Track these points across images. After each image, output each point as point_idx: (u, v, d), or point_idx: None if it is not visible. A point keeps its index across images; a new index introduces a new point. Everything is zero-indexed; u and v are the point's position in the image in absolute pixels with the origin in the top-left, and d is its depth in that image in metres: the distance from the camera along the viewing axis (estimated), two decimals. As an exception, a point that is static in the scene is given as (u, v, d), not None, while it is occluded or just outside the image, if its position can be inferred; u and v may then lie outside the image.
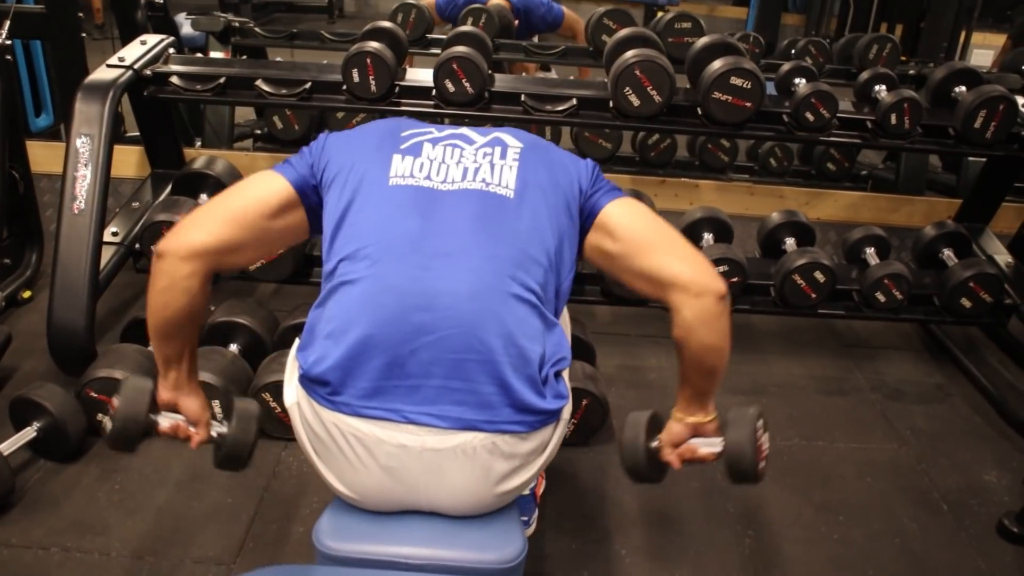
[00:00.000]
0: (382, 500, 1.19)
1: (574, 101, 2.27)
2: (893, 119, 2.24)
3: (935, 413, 2.39)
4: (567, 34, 3.69)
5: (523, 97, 2.26)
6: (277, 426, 2.02)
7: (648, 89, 2.17)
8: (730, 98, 2.18)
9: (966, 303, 2.31)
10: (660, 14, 4.22)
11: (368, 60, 2.15)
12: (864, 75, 2.41)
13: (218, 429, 1.38)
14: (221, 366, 1.99)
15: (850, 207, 2.90)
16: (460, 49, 2.19)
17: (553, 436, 1.20)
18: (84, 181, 2.07)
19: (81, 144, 2.08)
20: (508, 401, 1.13)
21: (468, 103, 2.23)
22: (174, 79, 2.23)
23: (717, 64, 2.16)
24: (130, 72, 2.19)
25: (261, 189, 1.31)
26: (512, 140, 1.33)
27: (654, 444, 1.33)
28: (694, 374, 1.27)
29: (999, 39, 6.65)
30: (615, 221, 1.30)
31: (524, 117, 2.29)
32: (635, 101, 2.19)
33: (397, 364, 1.12)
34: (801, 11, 7.46)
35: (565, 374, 1.22)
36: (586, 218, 1.31)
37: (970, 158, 3.09)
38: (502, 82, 2.29)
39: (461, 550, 1.16)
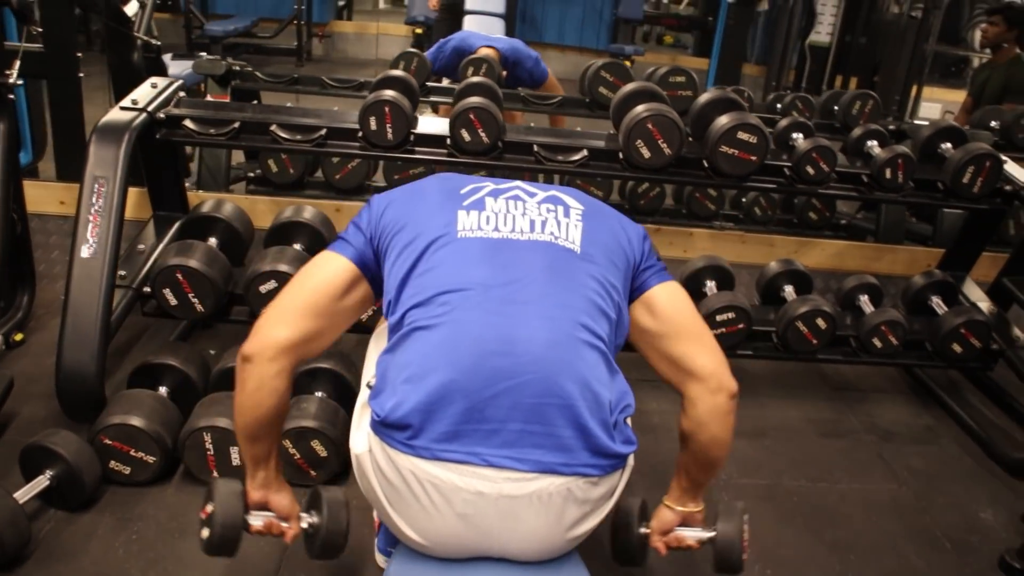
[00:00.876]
0: (453, 547, 1.20)
1: (585, 152, 2.34)
2: (888, 173, 2.36)
3: (928, 453, 2.48)
4: (546, 91, 3.77)
5: (535, 147, 2.32)
6: (295, 473, 2.00)
7: (659, 142, 2.25)
8: (736, 152, 2.28)
9: (957, 348, 2.42)
10: (638, 65, 4.37)
11: (386, 108, 2.19)
12: (857, 131, 2.54)
13: (308, 520, 1.43)
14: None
15: (836, 255, 3.03)
16: (477, 100, 2.24)
17: (620, 481, 1.23)
18: (98, 224, 2.05)
19: (96, 187, 2.06)
20: (585, 445, 1.15)
21: (483, 152, 2.28)
22: (187, 123, 2.23)
23: (724, 119, 2.26)
24: (144, 115, 2.18)
25: (326, 273, 1.36)
26: (572, 200, 1.38)
27: (643, 530, 1.42)
28: (695, 466, 1.35)
29: (945, 94, 7.04)
30: (660, 302, 1.37)
31: (536, 167, 2.35)
32: (646, 153, 2.27)
33: (477, 409, 1.14)
34: (760, 63, 7.78)
35: (630, 421, 1.25)
36: (635, 290, 1.38)
37: (946, 210, 3.26)
38: (514, 132, 2.34)
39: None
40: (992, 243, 2.90)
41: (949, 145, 2.50)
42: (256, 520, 1.41)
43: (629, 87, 2.44)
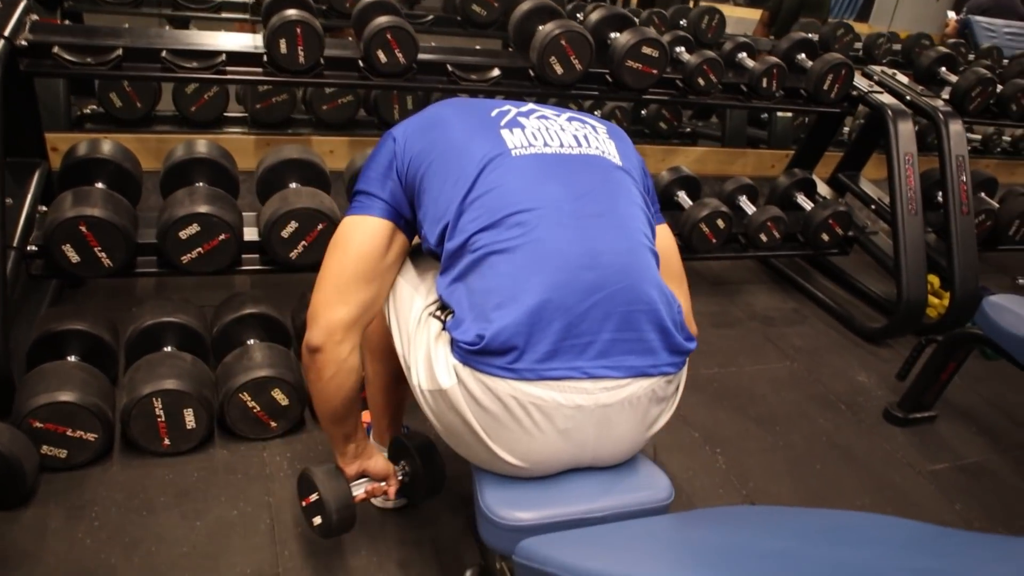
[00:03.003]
0: (551, 464, 1.22)
1: (497, 71, 2.32)
2: (764, 83, 2.58)
3: (803, 333, 2.83)
4: None
5: (449, 67, 2.26)
6: (254, 427, 1.87)
7: (572, 58, 2.28)
8: (640, 66, 2.37)
9: (825, 237, 2.75)
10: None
11: (298, 29, 2.00)
12: (728, 45, 2.73)
13: (405, 470, 1.53)
14: (185, 372, 1.79)
15: (698, 161, 3.26)
16: (389, 19, 2.12)
17: (683, 376, 1.31)
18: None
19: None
20: (665, 345, 1.21)
21: (398, 74, 2.18)
22: (58, 51, 1.90)
23: (627, 36, 2.33)
24: (3, 42, 1.83)
25: (364, 237, 1.31)
26: (591, 119, 1.38)
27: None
28: None
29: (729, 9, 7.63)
30: (657, 240, 1.36)
31: (450, 87, 2.28)
32: (559, 70, 2.29)
33: (573, 324, 1.15)
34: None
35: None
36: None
37: (778, 115, 3.62)
38: (427, 52, 2.25)
39: (634, 494, 1.23)
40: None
41: (803, 55, 2.78)
42: (359, 490, 1.48)
43: (528, 5, 2.42)
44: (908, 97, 2.80)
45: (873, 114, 2.85)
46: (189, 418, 1.78)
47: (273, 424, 1.89)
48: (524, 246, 1.16)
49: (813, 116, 3.19)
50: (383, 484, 1.52)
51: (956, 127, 2.72)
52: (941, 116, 2.73)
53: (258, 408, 1.85)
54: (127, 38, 1.99)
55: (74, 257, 1.85)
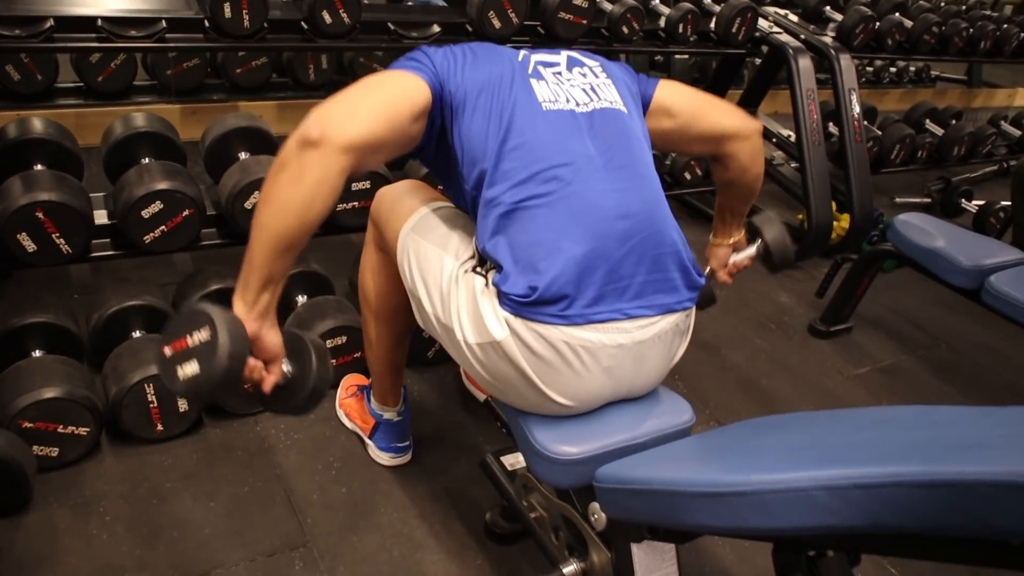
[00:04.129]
0: (594, 400, 1.31)
1: (436, 27, 2.32)
2: (680, 28, 2.71)
3: (724, 262, 3.04)
4: None
5: (391, 25, 2.24)
6: (245, 402, 1.86)
7: (509, 12, 2.32)
8: (571, 16, 2.44)
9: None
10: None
11: (242, -9, 1.93)
12: (642, -9, 2.83)
13: (289, 368, 1.19)
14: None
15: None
16: (331, -23, 2.08)
17: (693, 309, 1.43)
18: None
19: None
20: (685, 282, 1.32)
21: (342, 34, 2.14)
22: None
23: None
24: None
25: (406, 87, 1.23)
26: (588, 60, 1.44)
27: (708, 273, 1.67)
28: (740, 202, 1.64)
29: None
30: (668, 100, 1.48)
31: (393, 45, 2.27)
32: (497, 24, 2.32)
33: (614, 270, 1.23)
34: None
35: None
36: (643, 107, 1.48)
37: (676, 56, 3.78)
38: (368, 12, 2.22)
39: (664, 419, 1.35)
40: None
41: (710, 0, 2.93)
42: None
43: (457, -42, 2.42)
44: (802, 36, 3.02)
45: (771, 53, 3.06)
46: (182, 400, 1.74)
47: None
48: (563, 199, 1.23)
49: (717, 58, 3.37)
50: (261, 365, 1.17)
51: (847, 62, 2.97)
52: (833, 52, 2.96)
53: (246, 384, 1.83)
54: (57, 6, 1.85)
55: (30, 246, 1.74)
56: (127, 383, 1.67)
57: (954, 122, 3.72)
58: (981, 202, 3.65)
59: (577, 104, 1.34)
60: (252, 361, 1.14)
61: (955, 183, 3.86)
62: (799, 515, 0.87)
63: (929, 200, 3.83)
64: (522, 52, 1.39)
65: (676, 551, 1.34)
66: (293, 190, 1.08)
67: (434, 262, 1.37)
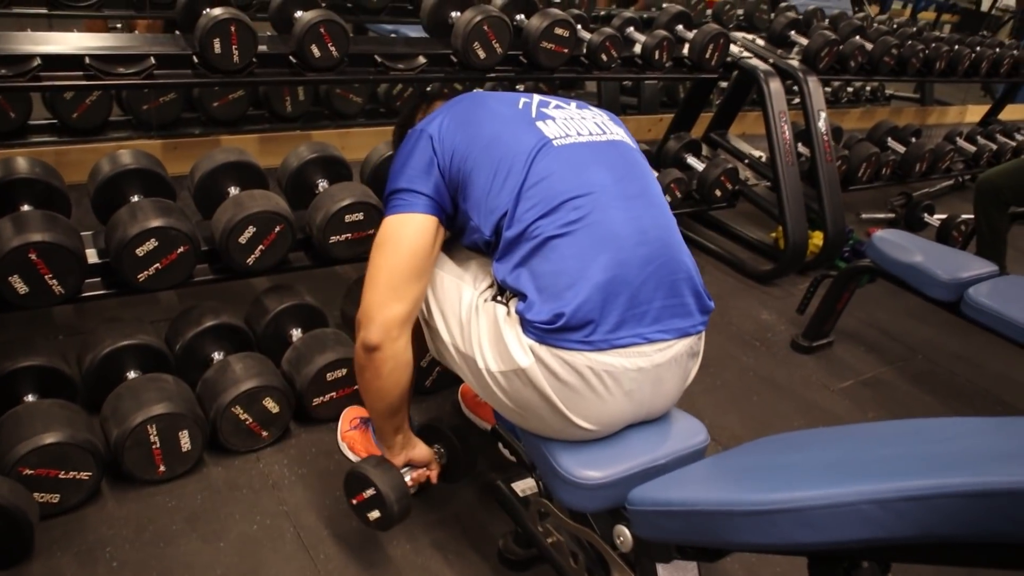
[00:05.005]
0: (616, 423, 1.33)
1: (422, 59, 2.34)
2: (656, 55, 2.78)
3: (706, 282, 3.09)
4: None
5: (378, 58, 2.25)
6: (246, 439, 1.84)
7: (493, 42, 2.35)
8: (553, 46, 2.48)
9: (718, 192, 3.02)
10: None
11: (232, 28, 1.92)
12: (616, 20, 2.90)
13: (439, 454, 1.64)
14: (173, 394, 1.72)
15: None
16: (320, 13, 2.09)
17: (704, 333, 1.46)
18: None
19: None
20: (699, 306, 1.36)
21: (331, 67, 2.14)
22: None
23: (540, 19, 2.43)
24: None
25: (413, 234, 1.36)
26: (589, 107, 1.50)
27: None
28: None
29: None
30: None
31: (380, 77, 2.28)
32: (482, 54, 2.35)
33: (635, 295, 1.26)
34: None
35: None
36: None
37: (646, 82, 3.86)
38: (356, 44, 2.23)
39: (682, 441, 1.37)
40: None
41: (681, 27, 3.01)
42: (407, 478, 1.53)
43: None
44: (771, 60, 3.11)
45: (740, 77, 3.15)
46: (184, 440, 1.72)
47: (264, 433, 1.86)
48: (584, 229, 1.26)
49: (690, 83, 3.45)
50: (425, 469, 1.57)
51: (815, 84, 3.07)
52: (801, 75, 3.07)
53: (251, 419, 1.81)
54: (42, 44, 1.83)
55: (22, 288, 1.70)
56: (129, 425, 1.64)
57: (914, 140, 3.85)
58: (943, 216, 3.78)
59: (590, 134, 1.37)
60: (416, 474, 1.57)
61: (916, 198, 4.00)
62: (847, 529, 0.90)
63: (893, 215, 3.96)
64: (522, 100, 1.43)
65: (698, 568, 1.36)
66: (380, 383, 1.38)
67: (451, 292, 1.38)
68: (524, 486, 1.66)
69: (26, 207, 1.86)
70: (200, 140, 2.84)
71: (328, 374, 1.92)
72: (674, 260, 1.32)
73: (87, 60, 1.84)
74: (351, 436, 1.88)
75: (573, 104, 1.48)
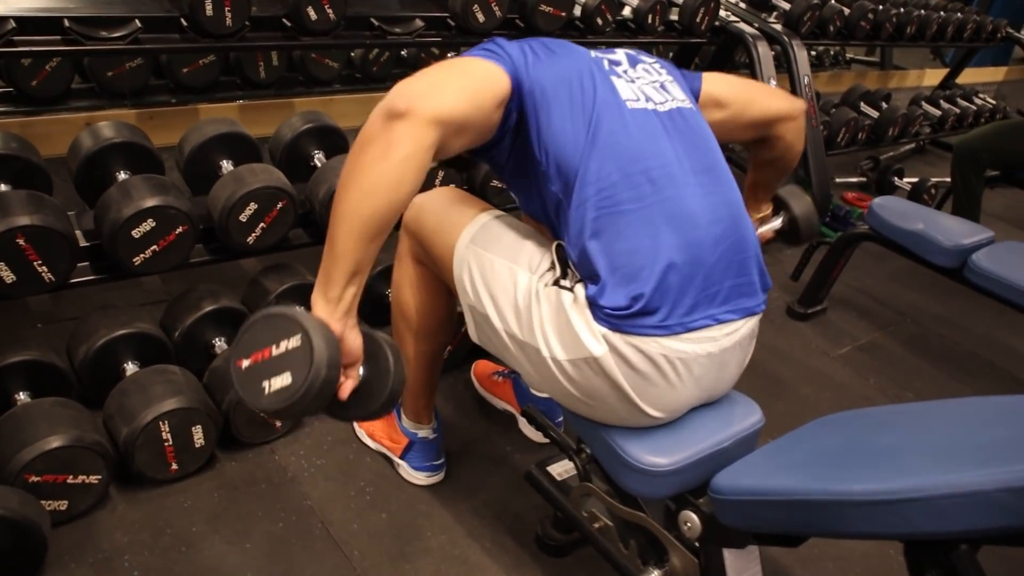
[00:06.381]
0: (682, 410, 1.28)
1: (419, 22, 2.22)
2: (649, 19, 2.70)
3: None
4: None
5: (375, 21, 2.12)
6: (259, 431, 1.73)
7: (492, 5, 2.24)
8: (551, 9, 2.38)
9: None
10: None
11: (224, -13, 1.78)
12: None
13: (364, 369, 1.12)
14: (183, 386, 1.61)
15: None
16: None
17: None
18: None
19: None
20: (762, 285, 1.31)
21: (327, 31, 2.01)
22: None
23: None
24: None
25: (488, 73, 1.17)
26: (645, 58, 1.39)
27: None
28: (776, 178, 1.65)
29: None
30: (717, 92, 1.48)
31: (377, 42, 2.15)
32: (481, 17, 2.24)
33: (707, 276, 1.20)
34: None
35: None
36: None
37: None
38: (353, 7, 2.09)
39: (742, 423, 1.34)
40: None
41: (670, -11, 2.94)
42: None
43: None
44: (756, 24, 3.07)
45: (725, 41, 3.10)
46: (198, 435, 1.61)
47: (278, 423, 1.75)
48: (658, 203, 1.19)
49: (675, 47, 3.38)
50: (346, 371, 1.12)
51: (800, 49, 3.05)
52: (787, 39, 3.03)
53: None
54: (16, 4, 1.65)
55: (9, 277, 1.55)
56: (140, 422, 1.52)
57: (884, 104, 3.88)
58: (913, 179, 3.84)
59: (655, 103, 1.29)
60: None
61: (884, 162, 4.04)
62: (976, 518, 0.87)
63: (865, 180, 4.00)
64: (592, 51, 1.33)
65: (759, 551, 1.33)
66: (382, 167, 1.01)
67: (504, 276, 1.30)
68: (561, 469, 1.61)
69: (4, 187, 1.70)
70: (177, 110, 2.66)
71: (341, 359, 1.81)
72: (743, 239, 1.26)
73: (66, 23, 1.68)
74: (372, 424, 1.79)
75: (623, 56, 1.36)
